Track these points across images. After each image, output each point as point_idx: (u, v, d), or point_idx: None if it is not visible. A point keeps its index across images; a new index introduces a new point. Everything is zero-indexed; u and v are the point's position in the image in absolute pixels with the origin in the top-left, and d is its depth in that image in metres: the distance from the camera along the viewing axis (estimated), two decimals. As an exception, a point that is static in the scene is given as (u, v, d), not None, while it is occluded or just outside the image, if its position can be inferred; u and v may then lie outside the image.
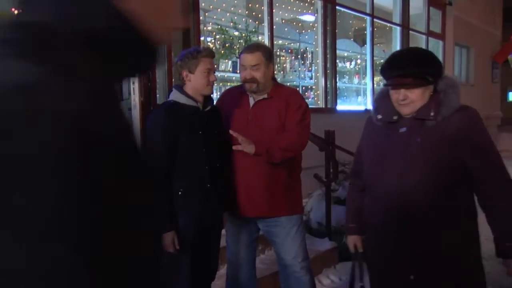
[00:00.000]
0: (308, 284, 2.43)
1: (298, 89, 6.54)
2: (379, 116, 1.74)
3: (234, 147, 2.14)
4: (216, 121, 2.24)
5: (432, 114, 1.60)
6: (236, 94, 2.38)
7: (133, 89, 3.36)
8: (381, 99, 1.76)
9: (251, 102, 2.30)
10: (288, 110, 2.26)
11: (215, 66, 5.52)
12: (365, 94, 7.32)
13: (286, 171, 2.33)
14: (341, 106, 6.42)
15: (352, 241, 1.96)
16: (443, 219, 1.62)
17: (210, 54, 2.20)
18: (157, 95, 3.95)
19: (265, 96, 2.29)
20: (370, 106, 6.90)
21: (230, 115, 2.30)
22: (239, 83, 2.51)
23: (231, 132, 2.14)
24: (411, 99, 1.61)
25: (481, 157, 1.62)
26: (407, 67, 1.60)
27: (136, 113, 3.36)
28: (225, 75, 5.48)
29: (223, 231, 2.45)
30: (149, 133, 2.19)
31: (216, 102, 2.49)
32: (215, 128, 2.22)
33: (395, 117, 1.69)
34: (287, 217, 2.35)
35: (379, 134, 1.75)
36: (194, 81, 2.14)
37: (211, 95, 2.31)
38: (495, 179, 1.62)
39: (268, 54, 2.30)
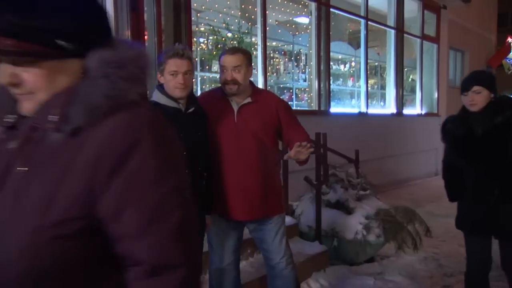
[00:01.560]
0: (293, 281, 2.46)
1: (291, 91, 6.54)
2: None
3: (286, 157, 2.24)
4: (200, 123, 2.18)
5: (53, 118, 0.77)
6: (215, 99, 2.32)
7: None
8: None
9: (235, 106, 2.27)
10: (279, 111, 2.32)
11: (207, 67, 5.53)
12: (359, 97, 7.31)
13: (277, 170, 2.44)
14: (334, 109, 6.40)
15: None
16: None
17: (176, 55, 2.02)
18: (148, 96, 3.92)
19: (249, 100, 2.28)
20: (364, 109, 6.91)
21: (214, 121, 2.26)
22: None
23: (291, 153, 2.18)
24: (27, 85, 0.79)
25: (124, 208, 0.77)
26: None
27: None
28: (217, 76, 5.44)
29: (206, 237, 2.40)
30: None
31: None
32: (199, 130, 2.16)
33: (10, 119, 0.84)
34: (277, 216, 2.39)
35: None
36: (165, 83, 2.09)
37: (195, 96, 2.27)
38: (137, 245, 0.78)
39: (248, 57, 2.30)
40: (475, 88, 2.24)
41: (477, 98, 2.25)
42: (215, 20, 5.51)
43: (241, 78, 2.21)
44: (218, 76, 5.71)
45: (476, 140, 2.25)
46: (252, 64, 2.38)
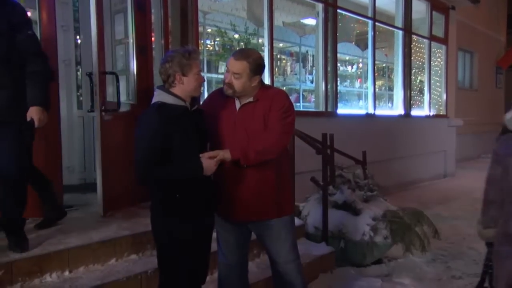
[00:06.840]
0: (300, 285, 2.40)
1: (298, 92, 6.52)
2: None
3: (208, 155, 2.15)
4: (202, 120, 2.22)
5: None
6: (223, 96, 2.32)
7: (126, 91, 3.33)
8: None
9: (237, 105, 2.27)
10: (271, 109, 2.23)
11: (214, 68, 5.54)
12: (366, 98, 7.27)
13: (274, 172, 2.30)
14: (342, 110, 6.38)
15: None
16: None
17: (199, 55, 2.19)
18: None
19: (251, 99, 2.26)
20: (371, 110, 6.89)
21: (217, 118, 2.27)
22: None
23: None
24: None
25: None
26: None
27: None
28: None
29: (214, 235, 2.41)
30: (140, 134, 2.12)
31: (203, 103, 2.47)
32: (203, 127, 2.20)
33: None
34: (277, 219, 2.32)
35: None
36: (187, 84, 2.09)
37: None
38: None
39: (254, 66, 2.20)
40: None
41: None
42: (222, 22, 5.53)
43: (238, 86, 2.19)
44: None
45: None
46: (261, 72, 2.28)
